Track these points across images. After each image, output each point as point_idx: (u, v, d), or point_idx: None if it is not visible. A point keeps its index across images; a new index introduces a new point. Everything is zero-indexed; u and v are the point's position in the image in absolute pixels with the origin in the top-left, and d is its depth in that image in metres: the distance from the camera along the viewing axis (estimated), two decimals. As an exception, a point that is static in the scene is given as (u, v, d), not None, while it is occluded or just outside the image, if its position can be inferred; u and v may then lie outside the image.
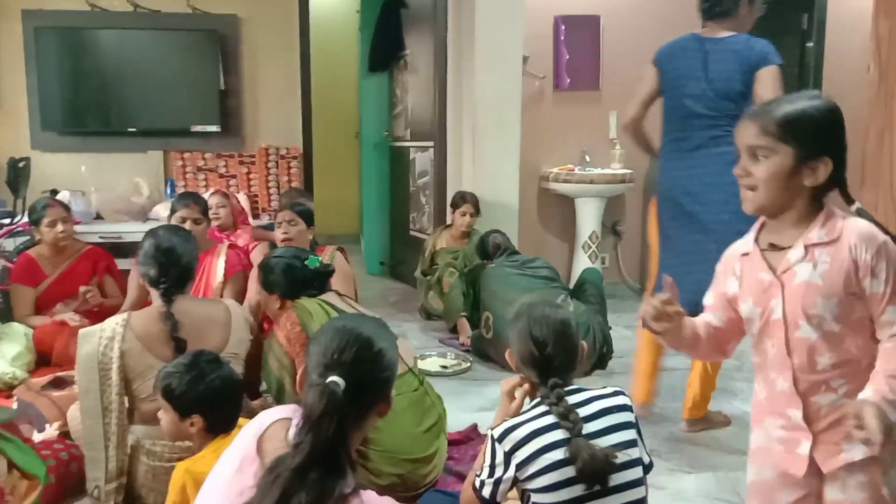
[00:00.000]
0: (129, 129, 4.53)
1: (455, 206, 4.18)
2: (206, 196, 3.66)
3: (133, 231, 4.11)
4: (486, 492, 1.52)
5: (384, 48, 5.49)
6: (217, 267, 3.14)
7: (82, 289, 3.31)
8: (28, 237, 3.62)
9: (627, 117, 2.76)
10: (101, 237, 4.10)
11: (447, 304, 3.88)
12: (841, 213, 1.38)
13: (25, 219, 3.70)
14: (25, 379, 2.95)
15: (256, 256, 3.42)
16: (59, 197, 3.84)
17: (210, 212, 3.48)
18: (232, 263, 3.21)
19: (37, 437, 2.44)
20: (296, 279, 2.36)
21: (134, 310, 2.37)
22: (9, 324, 3.21)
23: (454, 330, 3.86)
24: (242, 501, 1.24)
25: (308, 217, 3.26)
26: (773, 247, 1.43)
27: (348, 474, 1.27)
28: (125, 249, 3.76)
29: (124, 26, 4.50)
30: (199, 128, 4.56)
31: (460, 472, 2.27)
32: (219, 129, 4.58)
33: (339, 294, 2.42)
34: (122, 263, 3.60)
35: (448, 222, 4.36)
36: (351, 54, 6.32)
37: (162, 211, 4.30)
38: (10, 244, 3.80)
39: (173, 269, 2.19)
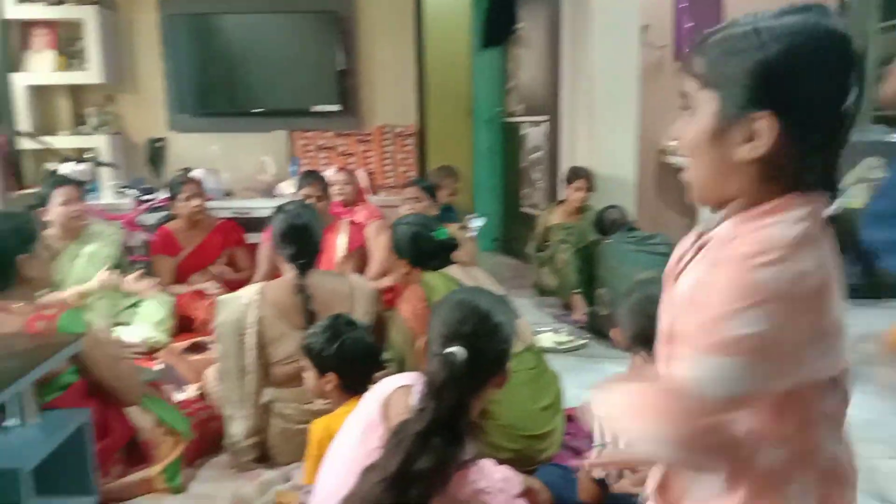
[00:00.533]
0: (256, 110, 4.74)
1: (569, 181, 4.13)
2: (330, 173, 3.81)
3: (261, 207, 4.33)
4: None
5: (497, 23, 5.46)
6: (340, 242, 3.26)
7: (213, 268, 3.54)
8: (166, 212, 3.88)
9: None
10: (232, 212, 4.33)
11: (561, 280, 3.86)
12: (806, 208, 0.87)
13: (164, 195, 3.97)
14: (167, 343, 3.20)
15: (371, 232, 3.53)
16: (192, 174, 4.09)
17: (336, 188, 3.62)
18: (354, 239, 3.33)
19: (178, 396, 2.64)
20: (421, 248, 2.36)
21: (265, 280, 2.51)
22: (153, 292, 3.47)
23: (568, 306, 3.84)
24: (368, 462, 1.31)
25: (432, 193, 3.32)
26: None
27: (467, 442, 1.32)
28: (254, 224, 3.97)
29: (248, 10, 4.69)
30: (319, 107, 4.72)
31: (577, 447, 2.27)
32: (338, 109, 4.72)
33: (464, 266, 2.40)
34: (251, 237, 3.81)
35: (561, 198, 4.31)
36: (464, 31, 6.32)
37: (286, 188, 4.50)
38: (150, 219, 4.09)
39: (308, 246, 2.30)
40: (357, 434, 1.44)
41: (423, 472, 1.26)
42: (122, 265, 3.31)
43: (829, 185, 0.89)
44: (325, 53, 4.68)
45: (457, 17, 6.57)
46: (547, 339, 3.49)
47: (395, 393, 1.45)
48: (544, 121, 4.84)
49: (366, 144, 4.84)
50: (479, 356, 1.35)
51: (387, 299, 3.02)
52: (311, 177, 3.44)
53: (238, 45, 4.71)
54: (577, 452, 2.20)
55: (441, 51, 6.53)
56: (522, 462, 2.09)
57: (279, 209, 2.42)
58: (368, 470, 1.29)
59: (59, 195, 3.09)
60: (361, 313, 2.29)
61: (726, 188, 0.92)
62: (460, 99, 6.81)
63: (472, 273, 2.37)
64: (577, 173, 4.10)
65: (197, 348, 3.12)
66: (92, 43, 4.50)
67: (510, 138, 5.59)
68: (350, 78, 4.79)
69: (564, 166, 4.39)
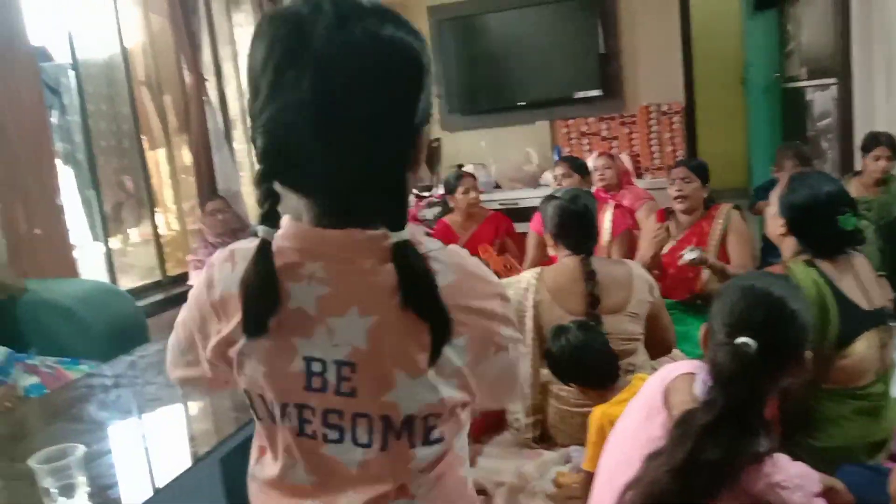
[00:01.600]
0: (519, 104, 4.89)
1: (866, 149, 3.65)
2: (591, 159, 3.80)
3: (526, 197, 4.46)
4: None
5: (773, -19, 5.02)
6: (605, 226, 3.24)
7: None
8: (441, 207, 4.17)
9: None
10: (500, 204, 4.54)
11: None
12: None
13: (439, 191, 4.26)
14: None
15: (642, 215, 3.45)
16: (467, 169, 4.34)
17: (596, 174, 3.61)
18: (619, 223, 3.29)
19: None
20: (810, 224, 1.89)
21: (534, 267, 2.58)
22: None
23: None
24: (650, 448, 1.31)
25: (703, 173, 3.12)
26: None
27: (762, 435, 1.25)
28: (521, 213, 4.11)
29: (510, 7, 4.84)
30: (581, 94, 4.72)
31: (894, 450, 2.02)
32: (600, 93, 4.68)
33: (853, 259, 1.89)
34: (519, 226, 3.95)
35: (857, 169, 3.84)
36: (733, -5, 5.90)
37: (550, 177, 4.58)
38: (429, 213, 4.43)
39: (592, 233, 2.31)
40: (639, 420, 1.44)
41: (711, 463, 1.22)
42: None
43: None
44: (585, 39, 4.67)
45: (724, -20, 6.15)
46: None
47: (678, 380, 1.42)
48: (833, 84, 4.33)
49: (630, 127, 4.74)
50: (771, 347, 1.27)
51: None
52: (565, 160, 3.49)
53: (502, 41, 4.89)
54: (894, 457, 1.96)
55: (708, 18, 6.16)
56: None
57: (550, 197, 2.41)
58: (653, 457, 1.28)
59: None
60: (637, 301, 2.26)
61: None
62: (731, 68, 6.37)
63: (859, 269, 1.90)
64: (876, 140, 3.61)
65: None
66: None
67: (792, 106, 5.09)
68: (612, 61, 4.72)
69: (860, 133, 3.90)
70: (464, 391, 0.79)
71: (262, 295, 0.75)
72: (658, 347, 2.36)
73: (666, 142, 4.62)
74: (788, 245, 1.95)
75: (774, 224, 2.00)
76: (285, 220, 0.78)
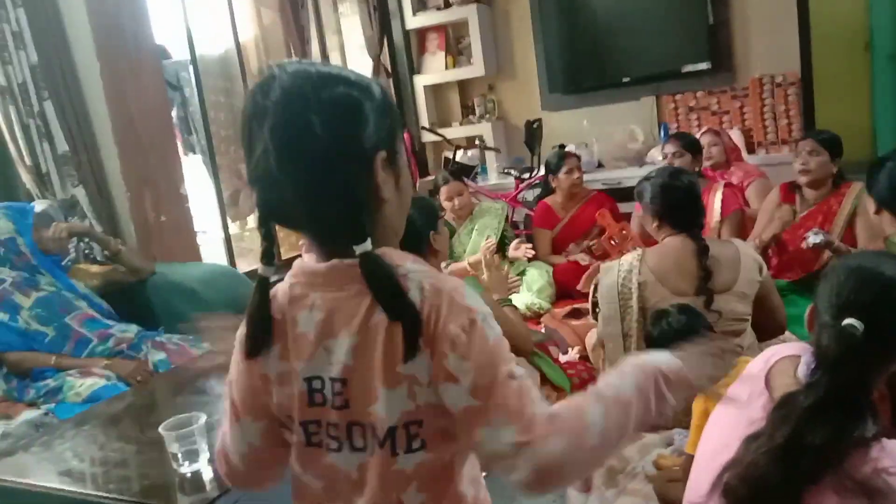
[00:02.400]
0: (623, 80, 4.77)
1: None
2: (698, 135, 3.68)
3: (631, 176, 4.35)
4: None
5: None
6: (714, 206, 3.14)
7: (588, 243, 3.69)
8: (542, 188, 4.15)
9: None
10: (603, 184, 4.46)
11: None
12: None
13: (540, 172, 4.25)
14: (549, 309, 3.45)
15: (752, 193, 3.32)
16: (569, 149, 4.30)
17: (703, 152, 3.49)
18: (728, 203, 3.18)
19: (562, 358, 2.85)
20: None
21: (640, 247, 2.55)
22: (534, 262, 3.78)
23: None
24: (752, 430, 1.28)
25: (834, 146, 2.93)
26: None
27: (868, 419, 1.21)
28: (625, 194, 4.03)
29: (612, -19, 4.72)
30: (689, 67, 4.56)
31: None
32: (709, 66, 4.50)
33: None
34: (623, 207, 3.88)
35: None
36: (857, -45, 5.50)
37: (656, 155, 4.46)
38: (530, 195, 4.42)
39: (697, 207, 2.27)
40: (740, 402, 1.42)
41: (814, 446, 1.19)
42: (508, 238, 3.67)
43: None
44: (693, 10, 4.49)
45: (847, -60, 5.74)
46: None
47: (781, 362, 1.38)
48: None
49: (741, 100, 4.54)
50: (879, 329, 1.22)
51: (771, 267, 2.84)
52: (672, 136, 3.41)
53: (604, 16, 4.78)
54: None
55: (828, -19, 5.78)
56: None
57: (647, 178, 2.36)
58: (752, 439, 1.26)
59: (444, 191, 3.72)
60: (745, 280, 2.19)
61: None
62: (853, 34, 5.94)
63: None
64: None
65: (577, 314, 3.31)
66: (474, 39, 5.00)
67: (923, 73, 4.72)
68: (722, 31, 4.52)
69: None
70: (439, 404, 0.84)
71: (254, 323, 0.89)
72: (767, 329, 2.29)
73: (781, 115, 4.39)
74: (887, 222, 1.94)
75: (869, 205, 2.04)
76: (305, 257, 0.92)
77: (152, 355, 2.46)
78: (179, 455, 1.44)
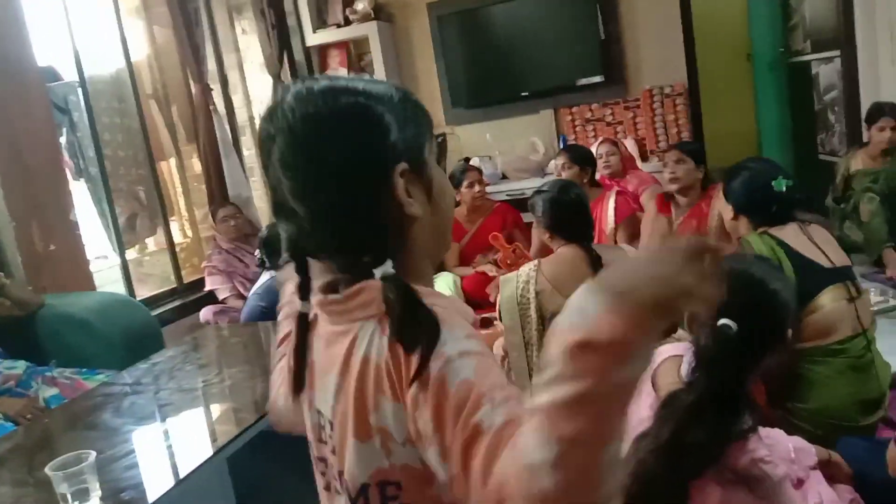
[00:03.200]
0: (523, 94, 4.89)
1: (871, 120, 3.63)
2: (594, 146, 3.82)
3: (533, 187, 4.44)
4: None
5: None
6: (608, 213, 3.27)
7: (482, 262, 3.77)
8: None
9: None
10: (507, 195, 4.55)
11: (868, 234, 3.42)
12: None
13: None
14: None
15: (646, 199, 3.46)
16: (471, 163, 4.37)
17: (601, 161, 3.62)
18: (622, 209, 3.31)
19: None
20: (753, 197, 2.08)
21: (540, 257, 2.62)
22: (440, 273, 3.81)
23: (878, 263, 3.40)
24: (639, 430, 1.34)
25: (697, 154, 3.15)
26: None
27: (745, 413, 1.28)
28: (527, 204, 4.12)
29: (507, -1, 4.84)
30: (584, 80, 4.72)
31: (891, 418, 2.03)
32: (602, 79, 4.68)
33: (805, 227, 2.03)
34: (527, 217, 3.97)
35: (864, 140, 3.81)
36: (734, -30, 5.85)
37: (557, 165, 4.59)
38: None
39: (585, 219, 2.36)
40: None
41: (697, 443, 1.25)
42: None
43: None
44: (586, 26, 4.66)
45: (725, -43, 6.10)
46: (853, 300, 3.14)
47: (665, 363, 1.45)
48: (836, 56, 4.30)
49: (634, 111, 4.74)
50: (753, 329, 1.30)
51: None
52: (566, 150, 3.55)
53: (502, 33, 4.89)
54: (892, 424, 1.97)
55: (710, -2, 6.12)
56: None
57: (538, 191, 2.47)
58: (640, 438, 1.32)
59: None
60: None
61: None
62: (736, 45, 6.32)
63: (814, 234, 2.00)
64: (880, 110, 3.59)
65: (485, 323, 3.36)
66: (376, 56, 5.01)
67: (797, 80, 5.06)
68: (613, 45, 4.71)
69: (866, 105, 3.87)
70: (419, 458, 0.71)
71: (297, 362, 0.85)
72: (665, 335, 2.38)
73: (671, 124, 4.60)
74: (743, 227, 2.08)
75: (725, 212, 2.17)
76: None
77: (43, 391, 2.34)
78: (69, 496, 1.38)
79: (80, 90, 3.65)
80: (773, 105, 5.42)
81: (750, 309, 1.30)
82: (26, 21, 3.00)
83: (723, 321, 1.28)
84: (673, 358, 1.45)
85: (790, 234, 1.97)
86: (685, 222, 3.05)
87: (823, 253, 1.94)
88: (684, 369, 1.39)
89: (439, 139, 4.83)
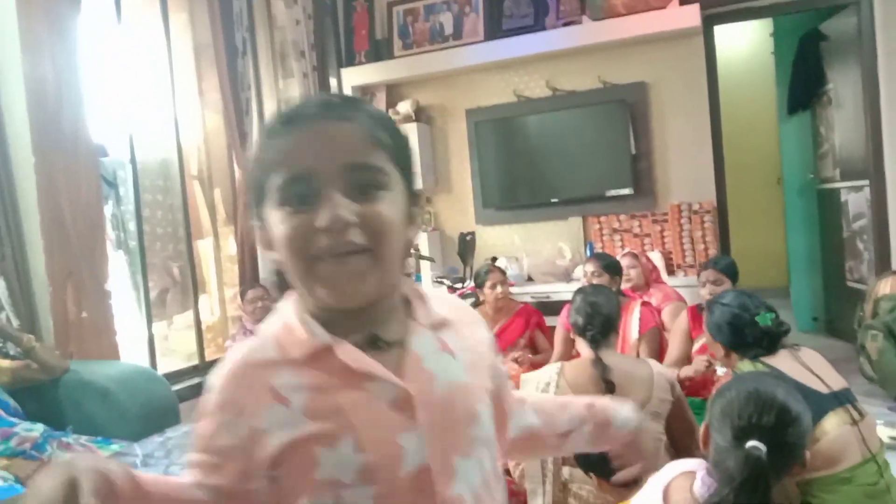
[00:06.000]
0: (552, 200, 5.01)
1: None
2: (619, 257, 3.85)
3: (559, 291, 4.50)
4: None
5: (804, 86, 5.14)
6: (632, 324, 3.26)
7: (513, 356, 3.76)
8: (474, 299, 4.24)
9: None
10: (531, 297, 4.59)
11: (880, 372, 3.36)
12: None
13: (472, 283, 4.35)
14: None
15: (667, 316, 3.46)
16: (497, 263, 4.43)
17: (622, 273, 3.65)
18: (646, 321, 3.30)
19: (483, 471, 2.82)
20: (741, 334, 2.15)
21: (561, 360, 2.62)
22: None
23: (905, 395, 3.33)
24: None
25: (731, 271, 3.15)
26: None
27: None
28: (552, 307, 4.15)
29: (544, 110, 5.04)
30: (612, 192, 4.83)
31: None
32: (631, 192, 4.78)
33: (796, 353, 2.07)
34: (550, 320, 3.98)
35: (895, 268, 3.81)
36: (767, 98, 6.03)
37: (581, 272, 4.63)
38: (461, 305, 4.49)
39: (598, 318, 2.32)
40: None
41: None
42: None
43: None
44: (617, 140, 4.81)
45: (758, 84, 6.31)
46: (881, 432, 3.05)
47: (677, 479, 1.43)
48: (865, 185, 4.36)
49: (662, 224, 4.80)
50: (778, 450, 1.30)
51: (688, 386, 2.93)
52: (593, 256, 3.58)
53: (536, 142, 5.06)
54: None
55: (742, 121, 6.30)
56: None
57: (578, 290, 2.50)
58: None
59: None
60: (658, 400, 2.25)
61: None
62: (767, 168, 6.44)
63: (807, 360, 2.05)
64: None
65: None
66: (414, 154, 5.20)
67: (827, 206, 5.11)
68: (643, 160, 4.84)
69: (895, 234, 3.89)
70: None
71: None
72: (688, 448, 2.33)
73: (698, 240, 4.65)
74: (735, 360, 2.13)
75: (714, 350, 2.24)
76: None
77: (57, 456, 2.35)
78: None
79: (129, 166, 3.82)
80: (803, 229, 5.46)
81: (777, 431, 1.31)
82: (84, 99, 3.19)
83: (752, 443, 1.28)
84: (686, 474, 1.43)
85: (783, 361, 2.00)
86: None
87: (819, 378, 1.95)
88: (698, 486, 1.37)
89: (468, 237, 4.92)
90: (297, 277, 0.80)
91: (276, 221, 0.79)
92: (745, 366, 2.05)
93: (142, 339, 3.79)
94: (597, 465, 2.02)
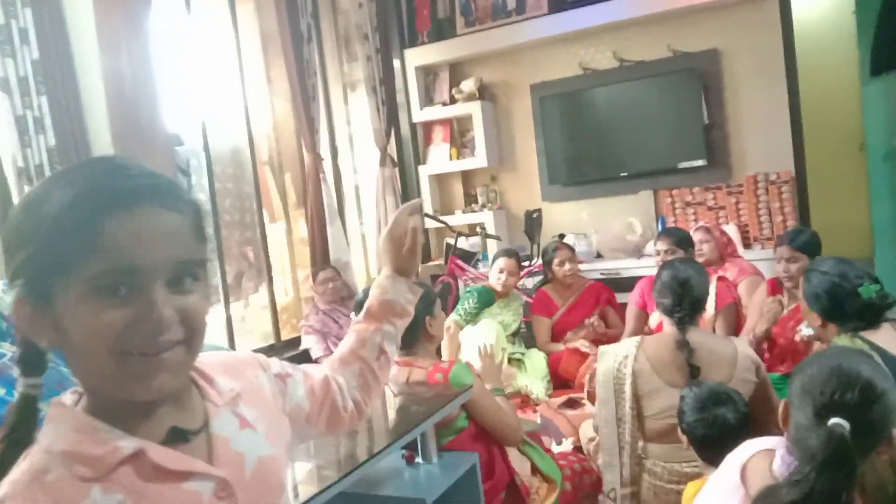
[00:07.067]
0: (622, 174, 4.91)
1: None
2: (691, 232, 3.75)
3: (629, 267, 4.43)
4: None
5: (890, 45, 4.85)
6: (709, 298, 3.18)
7: (587, 320, 3.73)
8: (542, 276, 4.21)
9: None
10: (601, 273, 4.53)
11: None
12: None
13: (540, 260, 4.32)
14: (545, 398, 3.44)
15: (743, 290, 3.35)
16: (565, 240, 4.38)
17: (695, 248, 3.55)
18: (722, 296, 3.22)
19: (555, 448, 2.83)
20: (839, 305, 2.04)
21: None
22: (532, 349, 3.79)
23: None
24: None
25: (810, 248, 3.00)
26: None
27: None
28: (623, 284, 4.09)
29: (612, 81, 4.92)
30: (685, 164, 4.70)
31: None
32: (705, 163, 4.64)
33: None
34: (620, 297, 3.92)
35: None
36: (848, 60, 5.73)
37: (653, 248, 4.53)
38: (529, 283, 4.48)
39: (687, 299, 2.26)
40: (717, 497, 1.42)
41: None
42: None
43: None
44: (689, 110, 4.67)
45: (838, 46, 6.00)
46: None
47: (756, 457, 1.39)
48: (958, 148, 4.11)
49: (737, 196, 4.65)
50: (863, 428, 1.25)
51: (767, 361, 2.85)
52: (663, 233, 3.48)
53: (604, 115, 4.97)
54: None
55: (821, 86, 5.99)
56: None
57: (666, 264, 2.43)
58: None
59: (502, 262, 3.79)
60: (740, 380, 2.20)
61: None
62: (849, 134, 6.12)
63: None
64: None
65: (572, 404, 3.30)
66: (478, 133, 5.19)
67: (915, 173, 4.84)
68: (716, 130, 4.69)
69: None
70: None
71: None
72: (769, 428, 2.27)
73: (776, 212, 4.48)
74: (832, 332, 2.02)
75: (811, 319, 2.13)
76: None
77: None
78: None
79: (202, 155, 3.94)
80: (888, 198, 5.17)
81: (861, 409, 1.26)
82: (159, 90, 3.29)
83: (835, 420, 1.23)
84: (764, 452, 1.39)
85: (885, 336, 1.90)
86: (798, 308, 2.91)
87: None
88: (777, 465, 1.33)
89: (534, 215, 4.87)
90: (95, 373, 0.74)
91: (82, 312, 0.71)
92: (842, 340, 1.95)
93: (220, 320, 3.92)
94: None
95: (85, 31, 3.03)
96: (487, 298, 3.70)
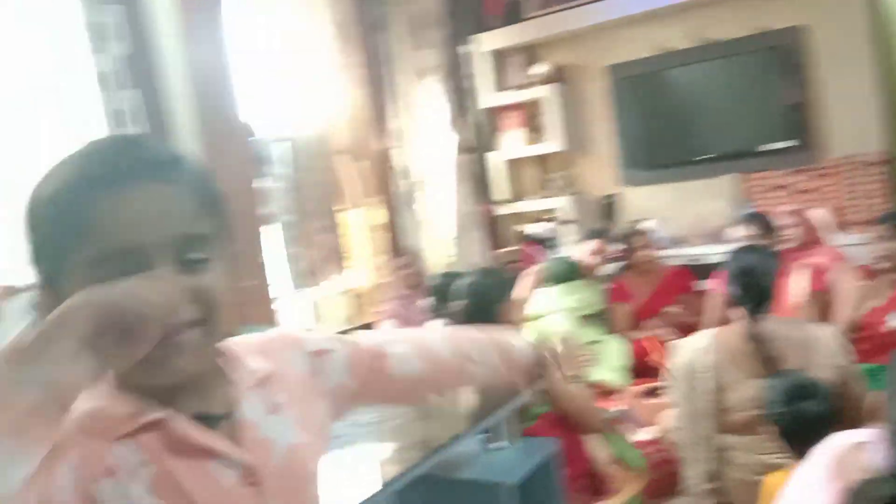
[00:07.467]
0: (702, 157, 4.76)
1: None
2: (776, 216, 3.61)
3: (711, 253, 4.29)
4: None
5: None
6: (794, 287, 3.07)
7: (667, 309, 3.65)
8: (621, 263, 4.14)
9: None
10: (682, 260, 4.40)
11: None
12: None
13: (617, 247, 4.24)
14: (626, 386, 3.39)
15: (833, 277, 3.21)
16: (643, 225, 4.29)
17: (782, 233, 3.42)
18: (810, 283, 3.09)
19: (635, 437, 2.79)
20: None
21: (713, 327, 2.51)
22: (609, 336, 3.74)
23: None
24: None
25: None
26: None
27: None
28: (705, 270, 3.96)
29: (691, 61, 4.76)
30: (769, 146, 4.51)
31: None
32: (791, 145, 4.44)
33: None
34: (701, 283, 3.82)
35: None
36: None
37: (736, 232, 4.38)
38: (608, 269, 4.40)
39: (754, 289, 2.21)
40: (806, 490, 1.37)
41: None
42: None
43: None
44: (771, 90, 4.48)
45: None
46: None
47: (849, 449, 1.34)
48: None
49: (827, 179, 4.43)
50: None
51: (859, 350, 2.72)
52: (747, 218, 3.35)
53: (682, 96, 4.82)
54: None
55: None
56: None
57: (733, 253, 2.39)
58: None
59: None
60: (822, 365, 2.12)
61: None
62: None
63: None
64: None
65: (653, 393, 3.25)
66: (553, 116, 5.12)
67: None
68: (801, 111, 4.47)
69: None
70: None
71: None
72: (847, 420, 2.19)
73: (867, 195, 4.25)
74: None
75: None
76: None
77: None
78: None
79: (282, 144, 4.04)
80: None
81: None
82: (239, 81, 3.39)
83: None
84: (857, 444, 1.33)
85: None
86: (893, 298, 2.78)
87: None
88: (873, 458, 1.27)
89: (610, 199, 4.78)
90: None
91: None
92: None
93: (298, 306, 4.03)
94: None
95: (170, 27, 3.14)
96: (570, 270, 3.70)
